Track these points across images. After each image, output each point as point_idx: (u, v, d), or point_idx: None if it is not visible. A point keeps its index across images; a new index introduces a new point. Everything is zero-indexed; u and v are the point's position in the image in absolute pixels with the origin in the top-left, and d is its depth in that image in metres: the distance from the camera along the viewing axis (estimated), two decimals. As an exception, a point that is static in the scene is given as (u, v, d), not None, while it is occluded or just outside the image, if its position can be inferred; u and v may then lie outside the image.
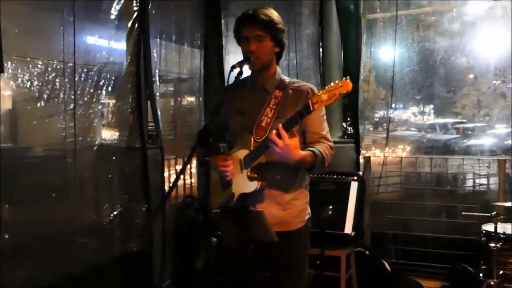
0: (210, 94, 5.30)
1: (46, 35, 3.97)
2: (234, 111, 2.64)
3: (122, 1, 4.54)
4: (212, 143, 2.17)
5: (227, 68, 5.36)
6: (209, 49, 5.30)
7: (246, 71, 2.51)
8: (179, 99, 5.48)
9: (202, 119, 5.31)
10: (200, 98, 5.35)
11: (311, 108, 2.23)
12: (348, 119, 5.46)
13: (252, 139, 2.49)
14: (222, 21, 5.35)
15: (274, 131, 2.27)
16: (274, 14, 2.53)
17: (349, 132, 5.45)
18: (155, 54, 4.86)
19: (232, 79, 2.44)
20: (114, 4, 4.51)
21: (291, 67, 5.45)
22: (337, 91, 2.14)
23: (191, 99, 5.57)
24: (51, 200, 3.82)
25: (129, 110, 4.58)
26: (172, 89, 5.41)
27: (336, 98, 2.15)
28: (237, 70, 2.42)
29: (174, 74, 5.37)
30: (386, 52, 5.41)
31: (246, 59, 2.47)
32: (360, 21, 5.23)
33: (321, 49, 5.48)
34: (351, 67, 5.28)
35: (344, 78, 2.14)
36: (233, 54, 5.37)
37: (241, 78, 2.44)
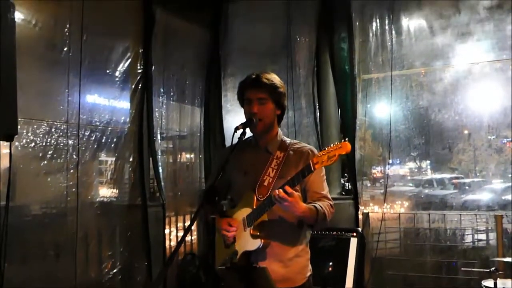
0: (210, 151, 5.50)
1: (52, 96, 4.10)
2: (237, 171, 2.66)
3: (128, 63, 4.75)
4: (217, 201, 2.25)
5: (225, 125, 5.56)
6: (209, 107, 5.57)
7: (249, 132, 2.55)
8: (179, 156, 5.54)
9: (202, 176, 5.49)
10: (200, 155, 5.53)
11: (312, 168, 2.27)
12: (346, 175, 5.48)
13: (255, 198, 2.52)
14: (222, 81, 5.60)
15: (280, 190, 2.30)
16: (276, 79, 2.60)
17: (348, 188, 5.46)
18: (156, 113, 5.09)
19: (235, 140, 2.46)
20: (120, 66, 4.71)
21: (290, 124, 5.53)
22: (336, 152, 2.19)
23: (191, 156, 5.66)
24: (52, 258, 3.88)
25: (131, 168, 4.71)
26: (172, 146, 5.48)
27: (336, 159, 2.19)
28: (241, 131, 2.46)
29: (175, 131, 5.48)
30: (381, 111, 5.46)
31: (249, 121, 2.52)
32: (355, 81, 5.30)
33: (317, 108, 5.56)
34: (348, 125, 5.32)
35: (343, 140, 2.20)
36: (232, 113, 5.58)
37: (244, 138, 2.48)
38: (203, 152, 5.50)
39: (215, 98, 5.57)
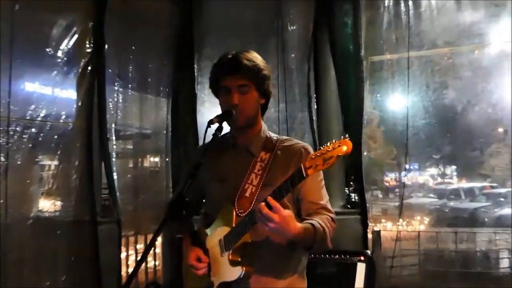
0: (180, 154, 5.42)
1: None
2: (212, 178, 2.66)
3: (73, 41, 4.63)
4: (186, 216, 2.19)
5: (200, 120, 5.43)
6: (179, 98, 5.49)
7: (227, 127, 2.56)
8: (140, 160, 5.49)
9: (170, 185, 5.36)
10: (167, 159, 5.43)
11: (304, 174, 2.22)
12: (352, 183, 5.43)
13: (234, 213, 2.49)
14: (195, 66, 5.45)
15: (262, 204, 2.25)
16: (258, 59, 2.57)
17: (353, 200, 5.42)
18: (111, 105, 4.98)
19: (209, 137, 2.43)
20: (63, 45, 4.59)
21: (281, 120, 5.47)
22: (334, 152, 2.12)
23: (156, 159, 5.63)
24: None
25: (77, 174, 4.59)
26: (132, 147, 5.44)
27: (333, 162, 2.13)
28: (216, 125, 2.44)
29: (135, 128, 5.43)
30: (395, 102, 5.44)
31: (227, 113, 2.49)
32: (361, 64, 5.23)
33: (314, 100, 5.50)
34: (353, 120, 5.28)
35: (342, 136, 2.14)
36: (207, 105, 5.47)
37: (220, 135, 2.46)
38: (171, 154, 5.44)
39: (187, 86, 5.47)
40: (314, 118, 5.47)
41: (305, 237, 2.34)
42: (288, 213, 2.26)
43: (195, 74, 5.41)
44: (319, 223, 2.41)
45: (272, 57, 5.37)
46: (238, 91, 2.52)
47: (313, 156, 2.19)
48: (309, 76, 5.48)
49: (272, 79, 2.64)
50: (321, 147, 2.18)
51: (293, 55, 5.59)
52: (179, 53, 5.54)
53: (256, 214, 2.26)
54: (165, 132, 5.51)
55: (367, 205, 5.19)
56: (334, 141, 2.14)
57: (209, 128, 2.41)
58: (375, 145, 5.49)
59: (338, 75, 5.37)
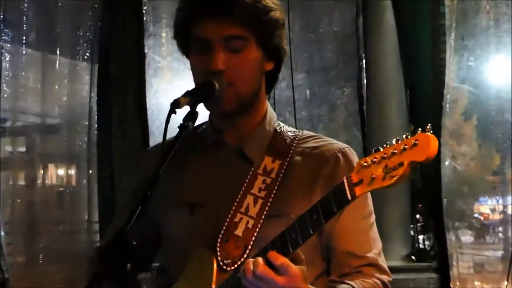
0: (116, 160, 5.07)
1: None
2: (174, 202, 2.32)
3: None
4: (131, 273, 1.81)
5: (153, 103, 5.12)
6: (113, 63, 5.09)
7: (202, 114, 2.15)
8: (41, 171, 5.11)
9: (95, 217, 5.05)
10: (91, 170, 5.04)
11: (349, 196, 1.88)
12: (422, 217, 5.47)
13: (215, 266, 2.19)
14: (145, 8, 5.11)
15: (258, 259, 1.95)
16: None
17: (425, 247, 5.42)
18: None
19: (172, 132, 2.06)
20: None
21: (300, 103, 5.25)
22: (405, 156, 1.78)
23: (70, 171, 5.27)
24: None
25: None
26: (25, 149, 5.18)
27: (403, 175, 1.77)
28: (185, 109, 2.10)
29: (32, 115, 5.14)
30: (499, 72, 5.07)
31: (205, 87, 2.15)
32: (441, 0, 4.96)
33: (363, 68, 5.39)
34: (423, 104, 5.19)
35: (419, 130, 1.74)
36: (167, 73, 5.17)
37: (192, 128, 2.09)
38: (97, 161, 4.93)
39: (127, 41, 5.04)
40: (362, 98, 5.35)
41: None
42: (298, 272, 1.98)
43: (143, 17, 5.01)
44: None
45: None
46: (225, 47, 2.20)
47: (364, 164, 1.87)
48: (357, 23, 5.35)
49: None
50: (380, 148, 1.86)
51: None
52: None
53: (242, 273, 2.04)
54: (86, 122, 4.97)
55: (450, 255, 5.06)
56: (404, 136, 1.79)
57: (172, 115, 2.05)
58: (463, 148, 5.10)
59: (399, 22, 5.20)
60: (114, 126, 5.09)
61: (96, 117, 5.09)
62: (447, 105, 5.05)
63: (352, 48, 5.46)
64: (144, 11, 5.12)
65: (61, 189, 5.36)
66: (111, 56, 5.07)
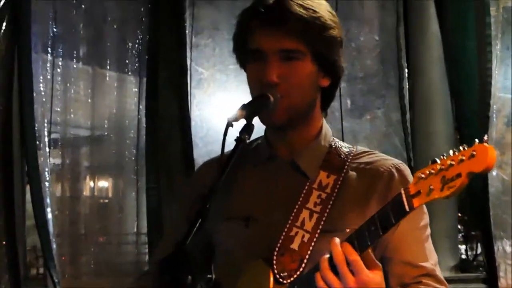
0: (165, 172, 5.07)
1: None
2: (228, 216, 2.39)
3: None
4: (192, 284, 1.87)
5: (195, 114, 4.88)
6: (159, 77, 5.14)
7: (258, 128, 2.21)
8: (90, 182, 5.18)
9: (143, 229, 4.98)
10: (139, 182, 5.01)
11: (407, 208, 1.92)
12: (468, 229, 5.59)
13: (271, 279, 2.23)
14: (187, 18, 5.03)
15: (325, 258, 2.01)
16: (322, 6, 2.30)
17: (471, 259, 5.47)
18: (41, 87, 4.64)
19: (230, 146, 2.12)
20: None
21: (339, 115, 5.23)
22: (463, 168, 1.81)
23: (115, 181, 5.34)
24: None
25: None
26: (74, 161, 5.02)
27: (461, 185, 1.80)
28: (241, 123, 2.12)
29: (82, 128, 5.14)
30: None
31: (261, 99, 2.21)
32: (487, 10, 4.89)
33: (406, 76, 5.29)
34: (471, 110, 5.09)
35: (476, 141, 1.81)
36: (212, 85, 4.97)
37: (248, 141, 2.15)
38: (145, 172, 4.88)
39: (173, 56, 5.00)
40: (405, 107, 5.27)
41: None
42: (376, 276, 2.04)
43: (185, 29, 4.89)
44: None
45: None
46: (279, 60, 2.24)
47: (422, 175, 1.92)
48: (398, 32, 5.27)
49: None
50: (437, 160, 1.93)
51: (364, 4, 5.47)
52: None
53: (322, 273, 2.02)
54: (134, 135, 4.99)
55: (498, 267, 5.01)
56: (462, 148, 1.84)
57: (229, 128, 2.11)
58: (506, 157, 5.13)
59: (444, 31, 5.19)
60: (160, 138, 5.09)
61: (144, 129, 5.10)
62: (494, 115, 5.00)
63: (393, 57, 5.45)
64: (186, 23, 5.12)
65: (108, 201, 5.40)
66: (158, 68, 5.06)
